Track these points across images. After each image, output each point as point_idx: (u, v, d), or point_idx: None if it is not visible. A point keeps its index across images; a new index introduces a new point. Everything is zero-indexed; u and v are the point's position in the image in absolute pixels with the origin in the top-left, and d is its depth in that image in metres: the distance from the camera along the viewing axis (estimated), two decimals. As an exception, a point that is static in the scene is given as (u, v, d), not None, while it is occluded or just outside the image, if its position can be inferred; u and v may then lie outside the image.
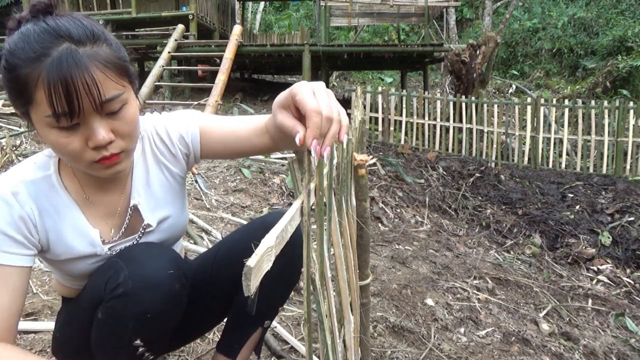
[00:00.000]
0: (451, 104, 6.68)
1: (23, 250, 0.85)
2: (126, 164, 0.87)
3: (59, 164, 0.92)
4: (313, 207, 0.64)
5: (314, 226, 0.68)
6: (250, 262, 0.44)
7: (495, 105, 6.48)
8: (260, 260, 0.46)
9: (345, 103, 8.58)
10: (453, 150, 6.57)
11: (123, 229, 0.98)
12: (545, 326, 2.44)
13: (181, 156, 1.01)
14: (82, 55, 0.74)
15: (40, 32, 0.75)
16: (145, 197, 0.99)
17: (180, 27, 7.39)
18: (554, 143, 6.35)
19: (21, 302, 0.85)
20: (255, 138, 0.94)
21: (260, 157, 4.33)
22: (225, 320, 1.23)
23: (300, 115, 0.69)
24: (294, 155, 0.72)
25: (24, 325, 1.64)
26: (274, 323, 1.80)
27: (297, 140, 0.65)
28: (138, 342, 0.88)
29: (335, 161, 0.85)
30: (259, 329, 1.16)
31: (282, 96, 0.73)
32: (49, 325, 1.62)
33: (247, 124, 0.95)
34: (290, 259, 0.99)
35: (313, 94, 0.67)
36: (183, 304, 0.94)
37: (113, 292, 0.85)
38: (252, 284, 0.44)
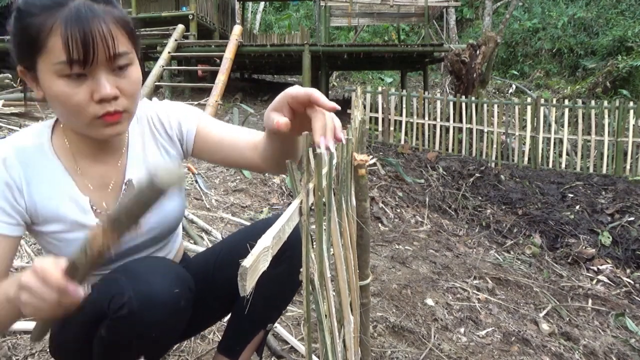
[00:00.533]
0: (451, 104, 6.68)
1: (7, 219, 0.85)
2: (125, 126, 0.87)
3: (52, 134, 0.92)
4: (312, 207, 0.64)
5: (314, 226, 0.68)
6: (246, 262, 0.44)
7: (495, 105, 6.48)
8: (256, 261, 0.46)
9: (345, 103, 8.58)
10: (453, 150, 6.56)
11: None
12: (545, 326, 2.44)
13: (177, 140, 1.03)
14: (100, 9, 0.79)
15: None
16: (140, 174, 0.97)
17: (180, 27, 7.39)
18: (554, 143, 6.35)
19: (4, 270, 0.85)
20: (247, 152, 0.97)
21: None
22: (226, 319, 1.22)
23: (293, 117, 0.75)
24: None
25: (24, 325, 1.64)
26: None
27: (275, 123, 0.72)
28: (142, 358, 0.89)
29: (335, 161, 0.85)
30: (261, 331, 1.16)
31: (275, 100, 0.77)
32: (49, 325, 1.61)
33: (244, 136, 0.98)
34: (294, 264, 0.99)
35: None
36: (188, 317, 0.93)
37: (118, 312, 0.83)
38: (247, 285, 0.43)
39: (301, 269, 0.62)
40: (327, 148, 0.67)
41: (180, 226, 1.19)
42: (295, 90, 0.73)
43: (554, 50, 13.13)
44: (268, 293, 1.04)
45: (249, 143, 0.96)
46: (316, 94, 0.72)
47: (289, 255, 0.99)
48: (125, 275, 0.86)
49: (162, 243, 1.07)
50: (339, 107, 0.71)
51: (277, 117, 0.73)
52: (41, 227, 0.90)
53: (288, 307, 2.02)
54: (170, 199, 1.01)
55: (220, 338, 1.20)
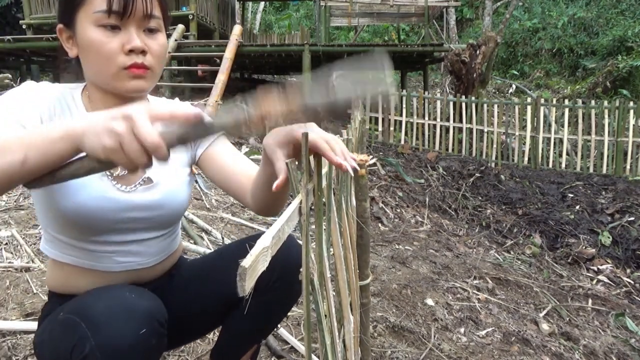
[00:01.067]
0: (451, 104, 6.68)
1: (32, 121, 0.87)
2: (148, 84, 0.92)
3: (82, 94, 0.97)
4: (312, 207, 0.64)
5: (313, 226, 0.68)
6: (245, 262, 0.44)
7: (495, 105, 6.48)
8: (256, 261, 0.45)
9: (345, 103, 8.57)
10: (453, 150, 6.56)
11: (125, 171, 0.94)
12: (545, 326, 2.44)
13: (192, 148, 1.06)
14: None
15: None
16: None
17: (180, 27, 7.39)
18: (554, 143, 6.35)
19: None
20: (243, 188, 0.98)
21: (260, 157, 4.32)
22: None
23: (297, 153, 0.76)
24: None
25: (24, 325, 1.64)
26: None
27: (274, 185, 0.74)
28: None
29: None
30: (254, 345, 1.17)
31: (279, 134, 0.78)
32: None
33: (246, 171, 0.99)
34: (289, 283, 1.00)
35: (312, 131, 0.73)
36: (163, 349, 0.87)
37: None
38: (246, 285, 0.43)
39: (300, 278, 0.62)
40: (353, 167, 0.72)
41: (180, 227, 1.18)
42: (301, 135, 0.70)
43: (554, 50, 13.13)
44: (261, 316, 1.06)
45: (249, 179, 0.97)
46: (322, 146, 0.72)
47: (282, 280, 1.00)
48: (84, 320, 0.78)
49: (165, 231, 1.04)
50: (348, 167, 0.72)
51: (279, 164, 0.76)
52: None
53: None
54: (180, 183, 1.03)
55: (214, 345, 1.20)
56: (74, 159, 0.65)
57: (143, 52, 0.87)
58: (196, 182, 3.43)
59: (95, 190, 0.90)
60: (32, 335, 1.62)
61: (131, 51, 0.86)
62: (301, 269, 0.63)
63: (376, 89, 0.59)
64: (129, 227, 0.97)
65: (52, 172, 0.66)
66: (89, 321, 0.77)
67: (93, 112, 0.89)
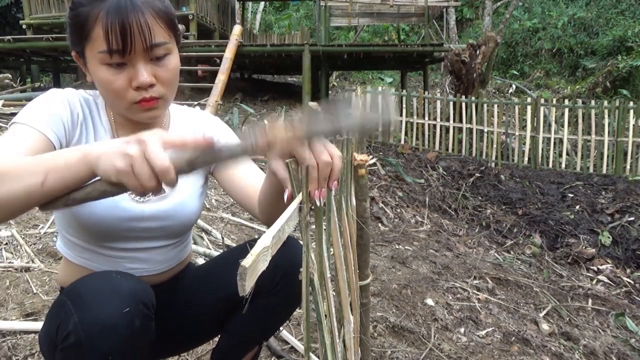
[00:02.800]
0: (451, 104, 6.68)
1: (55, 128, 0.89)
2: (161, 111, 0.93)
3: (105, 105, 1.00)
4: (312, 207, 0.64)
5: (313, 226, 0.68)
6: (245, 262, 0.44)
7: (495, 105, 6.48)
8: (256, 261, 0.45)
9: (345, 103, 8.57)
10: (453, 150, 6.56)
11: None
12: (545, 326, 2.44)
13: None
14: (139, 1, 0.83)
15: None
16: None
17: (180, 27, 7.38)
18: (554, 143, 6.35)
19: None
20: (252, 200, 0.99)
21: (260, 157, 4.32)
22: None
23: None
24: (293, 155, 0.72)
25: (24, 325, 1.64)
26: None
27: (285, 197, 0.71)
28: None
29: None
30: (255, 347, 1.17)
31: (281, 147, 0.76)
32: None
33: (256, 183, 0.99)
34: (292, 286, 0.99)
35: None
36: (149, 335, 0.87)
37: (64, 341, 0.78)
38: (247, 285, 0.43)
39: (300, 279, 0.62)
40: (320, 198, 0.69)
41: (191, 236, 1.20)
42: (299, 153, 0.69)
43: (554, 50, 13.13)
44: (263, 318, 1.06)
45: (257, 192, 0.97)
46: (298, 150, 0.68)
47: (283, 283, 1.00)
48: (70, 300, 0.81)
49: (174, 240, 1.07)
50: (319, 162, 0.68)
51: (283, 174, 0.72)
52: None
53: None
54: (192, 193, 1.05)
55: (215, 347, 1.19)
56: (88, 182, 0.68)
57: (152, 85, 0.88)
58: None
59: (109, 199, 0.91)
60: (32, 335, 1.62)
61: (138, 87, 0.87)
62: (301, 269, 0.63)
63: (379, 120, 0.61)
64: (140, 235, 1.00)
65: (66, 194, 0.68)
66: (74, 299, 0.80)
67: (115, 125, 0.98)
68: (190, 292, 1.11)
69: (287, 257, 0.93)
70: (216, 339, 1.20)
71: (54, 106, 0.91)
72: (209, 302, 1.10)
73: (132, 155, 0.62)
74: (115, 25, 0.81)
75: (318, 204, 0.67)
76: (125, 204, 0.95)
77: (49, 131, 0.87)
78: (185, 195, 1.03)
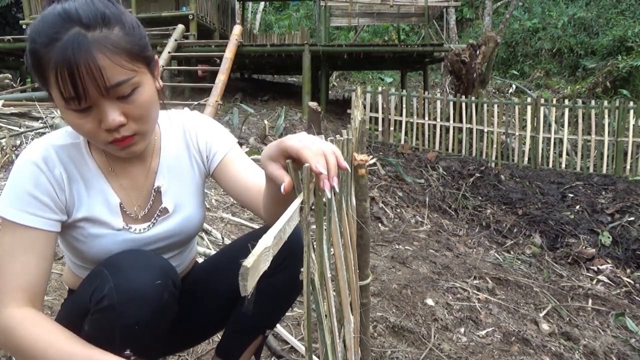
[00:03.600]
0: (451, 104, 6.68)
1: (50, 215, 0.86)
2: (142, 145, 0.88)
3: (89, 145, 0.96)
4: (312, 207, 0.64)
5: (314, 226, 0.68)
6: (247, 262, 0.44)
7: (495, 105, 6.48)
8: (258, 261, 0.45)
9: (346, 103, 8.58)
10: (453, 150, 6.56)
11: (147, 209, 0.98)
12: (545, 326, 2.44)
13: (205, 157, 1.06)
14: (90, 40, 0.75)
15: (55, 16, 0.76)
16: (169, 182, 1.01)
17: (180, 27, 7.39)
18: (554, 143, 6.35)
19: (48, 267, 0.86)
20: (256, 200, 0.97)
21: (260, 157, 4.32)
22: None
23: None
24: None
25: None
26: (274, 323, 1.79)
27: (282, 188, 0.68)
28: (128, 352, 0.86)
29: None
30: (260, 336, 1.15)
31: (271, 149, 0.75)
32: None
33: (258, 182, 0.97)
34: (294, 271, 0.98)
35: (299, 140, 0.70)
36: (173, 312, 0.92)
37: (98, 304, 0.82)
38: (248, 285, 0.43)
39: (302, 272, 0.62)
40: (332, 188, 0.66)
41: (195, 239, 1.21)
42: (290, 143, 0.69)
43: (554, 50, 13.13)
44: (267, 300, 1.03)
45: (260, 191, 0.95)
46: (305, 154, 0.66)
47: (288, 263, 0.99)
48: (107, 268, 0.85)
49: (179, 250, 1.09)
50: (324, 171, 0.64)
51: (277, 173, 0.71)
52: (72, 221, 0.92)
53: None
54: (195, 205, 1.05)
55: (220, 340, 1.20)
56: None
57: (122, 125, 0.81)
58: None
59: (114, 239, 0.95)
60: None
61: (108, 129, 0.81)
62: (302, 269, 0.63)
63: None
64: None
65: None
66: (111, 268, 0.85)
67: (106, 160, 0.94)
68: (194, 290, 1.12)
69: (291, 236, 0.93)
70: (216, 338, 1.20)
71: (32, 185, 0.84)
72: (213, 299, 1.11)
73: None
74: (64, 72, 0.74)
75: (327, 191, 0.64)
76: (134, 238, 0.96)
77: (42, 222, 0.85)
78: (190, 210, 1.03)
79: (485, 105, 6.51)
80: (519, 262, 3.72)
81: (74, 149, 0.92)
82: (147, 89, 0.84)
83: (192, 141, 1.04)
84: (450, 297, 2.54)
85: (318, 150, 0.67)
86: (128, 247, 0.96)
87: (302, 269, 0.62)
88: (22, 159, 0.86)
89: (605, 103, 6.35)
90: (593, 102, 6.49)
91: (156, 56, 0.90)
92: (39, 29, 0.77)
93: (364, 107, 6.41)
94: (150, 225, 0.99)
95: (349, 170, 0.73)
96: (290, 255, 0.96)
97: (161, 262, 0.91)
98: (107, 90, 0.77)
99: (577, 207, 4.86)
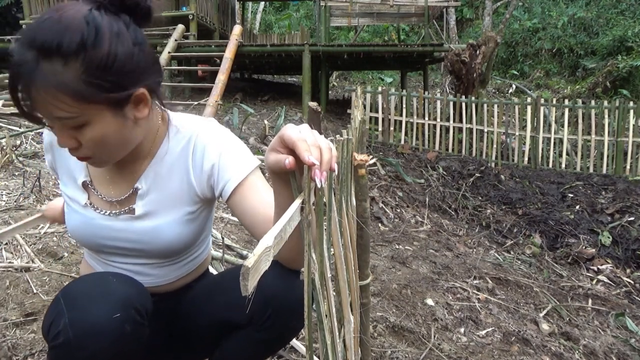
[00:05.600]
0: (451, 104, 6.68)
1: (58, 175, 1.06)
2: (108, 164, 0.91)
3: None
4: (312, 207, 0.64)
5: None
6: (248, 262, 0.44)
7: (495, 105, 6.48)
8: (258, 261, 0.46)
9: (346, 103, 8.58)
10: (453, 150, 6.56)
11: (118, 200, 0.98)
12: (545, 326, 2.44)
13: (211, 184, 0.96)
14: (41, 70, 0.73)
15: (26, 31, 0.75)
16: (150, 187, 0.96)
17: (180, 27, 7.39)
18: (554, 143, 6.35)
19: None
20: (267, 226, 0.88)
21: (260, 157, 4.33)
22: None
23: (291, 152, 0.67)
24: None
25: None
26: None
27: (286, 163, 0.63)
28: None
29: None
30: None
31: (271, 143, 0.70)
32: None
33: (270, 212, 0.87)
34: (284, 323, 0.95)
35: (299, 132, 0.66)
36: (140, 340, 0.88)
37: (54, 340, 0.80)
38: (249, 285, 0.43)
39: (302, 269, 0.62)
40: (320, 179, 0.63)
41: (200, 251, 1.12)
42: (288, 133, 0.65)
43: (554, 50, 13.13)
44: (254, 349, 1.00)
45: (271, 220, 0.87)
46: (299, 146, 0.62)
47: (275, 319, 0.94)
48: (64, 298, 0.83)
49: (164, 260, 1.03)
50: (317, 162, 0.61)
51: (276, 158, 0.66)
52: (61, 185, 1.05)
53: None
54: (169, 220, 0.97)
55: None
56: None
57: (75, 148, 0.82)
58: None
59: (82, 216, 1.00)
60: (32, 335, 1.62)
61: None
62: (302, 270, 0.63)
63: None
64: (120, 252, 1.01)
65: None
66: (68, 299, 0.83)
67: None
68: (193, 305, 1.08)
69: (281, 293, 0.90)
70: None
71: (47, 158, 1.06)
72: (207, 319, 1.06)
73: None
74: (13, 92, 0.75)
75: (317, 182, 0.62)
76: (98, 220, 0.98)
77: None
78: (161, 222, 0.96)
79: (485, 105, 6.51)
80: (519, 262, 3.72)
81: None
82: (101, 127, 0.80)
83: (196, 157, 0.94)
84: (450, 297, 2.54)
85: (314, 143, 0.64)
86: (92, 230, 0.98)
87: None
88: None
89: (605, 103, 6.35)
90: (593, 102, 6.49)
91: (143, 90, 0.82)
92: (13, 48, 0.76)
93: (364, 107, 6.41)
94: (116, 214, 0.97)
95: (336, 171, 0.70)
96: (277, 312, 0.92)
97: (123, 289, 0.85)
98: (50, 119, 0.78)
99: (577, 207, 4.86)
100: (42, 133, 4.59)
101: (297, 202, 0.61)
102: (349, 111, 6.70)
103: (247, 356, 1.02)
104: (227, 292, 1.02)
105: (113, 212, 0.98)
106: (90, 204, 0.99)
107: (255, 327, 0.95)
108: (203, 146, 0.94)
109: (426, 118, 6.66)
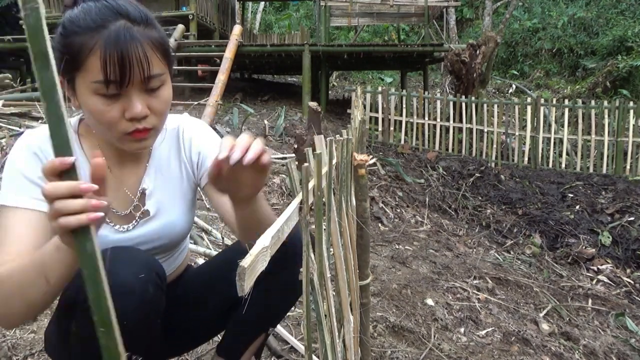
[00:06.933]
0: (451, 104, 6.68)
1: (41, 199, 0.88)
2: (152, 142, 0.93)
3: (78, 129, 0.97)
4: (312, 207, 0.64)
5: (313, 226, 0.68)
6: (244, 262, 0.44)
7: (495, 105, 6.48)
8: (255, 261, 0.45)
9: (346, 103, 8.58)
10: (453, 150, 6.56)
11: (130, 210, 0.99)
12: (545, 326, 2.44)
13: (195, 167, 1.05)
14: (137, 32, 0.82)
15: (102, 7, 0.83)
16: (155, 185, 1.02)
17: (180, 27, 7.38)
18: (554, 143, 6.35)
19: (45, 242, 0.85)
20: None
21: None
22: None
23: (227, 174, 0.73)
24: (293, 155, 0.71)
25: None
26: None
27: (230, 161, 0.68)
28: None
29: (334, 161, 0.85)
30: (262, 334, 1.15)
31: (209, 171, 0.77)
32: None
33: None
34: (294, 271, 0.97)
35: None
36: (161, 306, 0.92)
37: (84, 304, 0.80)
38: (245, 285, 0.43)
39: (301, 272, 0.62)
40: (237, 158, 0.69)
41: (188, 240, 1.20)
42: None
43: (554, 50, 13.12)
44: (269, 299, 1.03)
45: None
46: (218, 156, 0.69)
47: (289, 262, 0.98)
48: None
49: (168, 253, 1.09)
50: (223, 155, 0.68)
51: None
52: None
53: (288, 307, 2.01)
54: (179, 212, 1.04)
55: (220, 339, 1.20)
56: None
57: (145, 116, 0.86)
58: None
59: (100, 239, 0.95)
60: (32, 335, 1.62)
61: (132, 118, 0.85)
62: (301, 269, 0.63)
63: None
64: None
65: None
66: None
67: (92, 150, 0.95)
68: (189, 296, 1.11)
69: (293, 234, 0.93)
70: (217, 338, 1.20)
71: (27, 170, 0.87)
72: (212, 302, 1.11)
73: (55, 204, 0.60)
74: (114, 56, 0.79)
75: (231, 162, 0.67)
76: (114, 237, 0.98)
77: (38, 203, 0.85)
78: (173, 216, 1.03)
79: (485, 105, 6.51)
80: (519, 262, 3.71)
81: None
82: (169, 89, 0.90)
83: (185, 148, 1.05)
84: (450, 297, 2.54)
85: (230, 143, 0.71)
86: (110, 246, 0.96)
87: (301, 270, 0.62)
88: (19, 145, 0.90)
89: (605, 103, 6.35)
90: (593, 102, 6.48)
91: None
92: (81, 17, 0.82)
93: (364, 107, 6.41)
94: (132, 226, 1.00)
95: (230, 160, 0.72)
96: (291, 253, 0.95)
97: (144, 256, 0.91)
98: (147, 79, 0.84)
99: (577, 207, 4.86)
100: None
101: (295, 202, 0.61)
102: (349, 111, 6.70)
103: (266, 306, 1.04)
104: (236, 258, 1.03)
105: (130, 224, 1.00)
106: (109, 221, 0.97)
107: (273, 270, 0.98)
108: (190, 138, 1.05)
109: (426, 118, 6.65)
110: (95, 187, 0.59)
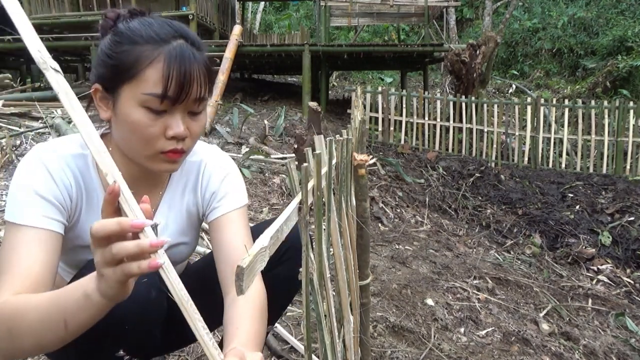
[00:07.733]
0: (451, 104, 6.68)
1: (59, 217, 0.85)
2: (179, 165, 0.91)
3: None
4: (312, 207, 0.64)
5: (313, 226, 0.68)
6: (243, 262, 0.44)
7: (495, 105, 6.48)
8: (253, 261, 0.45)
9: (345, 103, 8.58)
10: (453, 150, 6.56)
11: None
12: (545, 326, 2.44)
13: (205, 204, 1.04)
14: (193, 52, 0.84)
15: (163, 24, 0.85)
16: (167, 220, 1.02)
17: (180, 27, 7.38)
18: (554, 143, 6.35)
19: (55, 262, 0.82)
20: (221, 267, 0.98)
21: (260, 156, 4.32)
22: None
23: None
24: (293, 155, 0.72)
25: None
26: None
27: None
28: (121, 352, 0.86)
29: (334, 161, 0.85)
30: None
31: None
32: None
33: (234, 255, 0.96)
34: (295, 263, 0.98)
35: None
36: (162, 310, 0.92)
37: None
38: (244, 285, 0.43)
39: (301, 269, 0.62)
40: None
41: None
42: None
43: (554, 50, 13.12)
44: (268, 293, 1.03)
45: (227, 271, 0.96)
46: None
47: (290, 255, 0.99)
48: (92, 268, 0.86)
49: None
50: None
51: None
52: (67, 234, 0.90)
53: (288, 307, 2.02)
54: (187, 241, 1.06)
55: (221, 337, 1.20)
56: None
57: (184, 138, 0.86)
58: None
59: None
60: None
61: (173, 137, 0.84)
62: (301, 269, 0.63)
63: None
64: None
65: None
66: None
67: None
68: (190, 288, 1.11)
69: (292, 229, 0.93)
70: (216, 337, 1.20)
71: (39, 186, 0.83)
72: (211, 295, 1.10)
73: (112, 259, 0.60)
74: (177, 72, 0.80)
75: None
76: None
77: (50, 223, 0.82)
78: (182, 246, 1.06)
79: (485, 105, 6.51)
80: (519, 262, 3.71)
81: (82, 161, 0.90)
82: (205, 116, 0.91)
83: (202, 184, 1.03)
84: (450, 297, 2.54)
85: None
86: None
87: (301, 269, 0.62)
88: (33, 161, 0.85)
89: (605, 103, 6.35)
90: (593, 102, 6.48)
91: None
92: (142, 28, 0.83)
93: (364, 107, 6.41)
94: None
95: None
96: (291, 246, 0.96)
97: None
98: (199, 100, 0.85)
99: (577, 207, 4.86)
100: (42, 134, 4.53)
101: (295, 202, 0.61)
102: (349, 111, 6.70)
103: (273, 297, 1.02)
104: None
105: None
106: None
107: (270, 264, 0.97)
108: (209, 174, 1.03)
109: (426, 118, 6.65)
110: (161, 241, 0.62)
